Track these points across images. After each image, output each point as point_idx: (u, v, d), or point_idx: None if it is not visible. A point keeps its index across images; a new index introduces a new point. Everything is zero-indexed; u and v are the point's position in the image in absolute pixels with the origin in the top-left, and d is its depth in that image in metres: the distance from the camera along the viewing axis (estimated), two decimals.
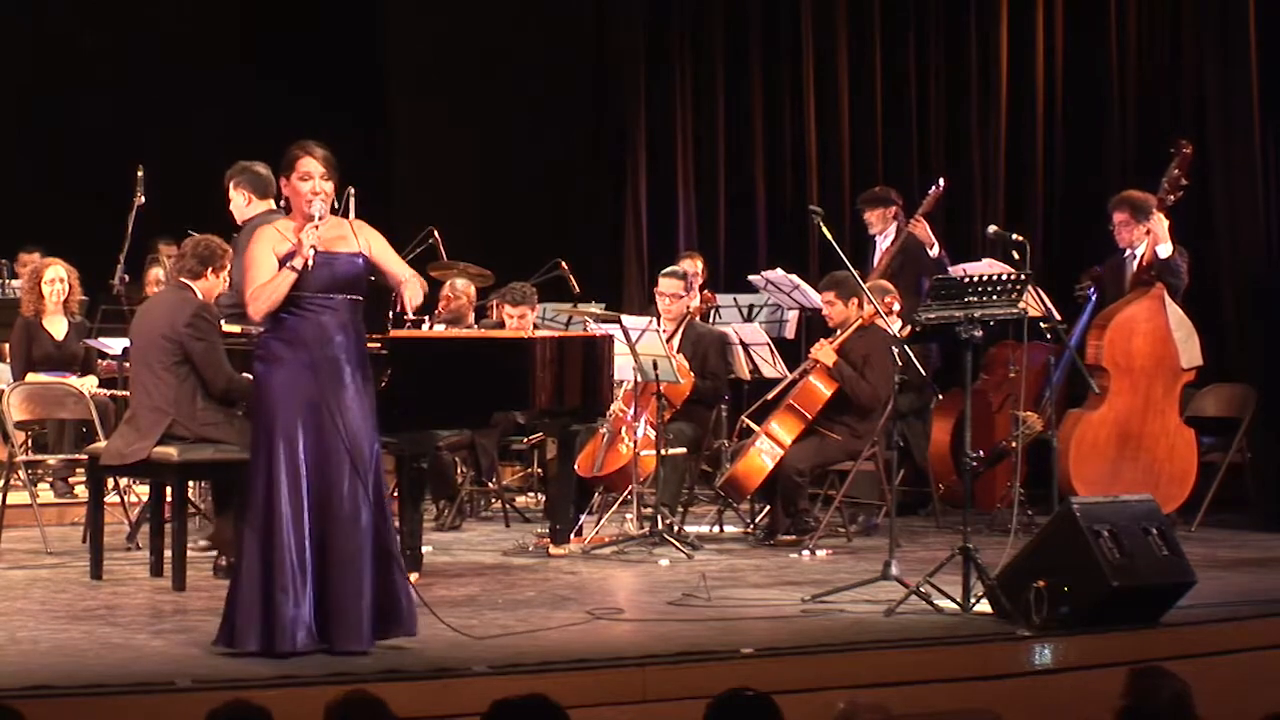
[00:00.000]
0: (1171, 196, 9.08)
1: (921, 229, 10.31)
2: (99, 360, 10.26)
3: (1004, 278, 7.45)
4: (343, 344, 6.14)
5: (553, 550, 8.64)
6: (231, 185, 8.27)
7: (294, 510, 6.07)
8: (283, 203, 6.30)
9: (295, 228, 6.17)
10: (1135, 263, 9.22)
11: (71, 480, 10.21)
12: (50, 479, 10.24)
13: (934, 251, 10.26)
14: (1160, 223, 9.06)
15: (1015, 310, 7.52)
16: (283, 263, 6.10)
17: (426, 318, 9.65)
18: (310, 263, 6.08)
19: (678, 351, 9.22)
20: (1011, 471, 9.03)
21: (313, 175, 6.17)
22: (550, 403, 8.37)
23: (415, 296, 6.27)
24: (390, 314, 7.73)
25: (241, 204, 8.26)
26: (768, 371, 9.58)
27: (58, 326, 10.13)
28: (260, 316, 6.16)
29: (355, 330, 6.22)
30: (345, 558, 6.09)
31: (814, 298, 9.92)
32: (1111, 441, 9.00)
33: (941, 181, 10.47)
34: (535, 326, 9.63)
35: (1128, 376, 9.02)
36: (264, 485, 6.10)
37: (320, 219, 6.13)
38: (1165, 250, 9.07)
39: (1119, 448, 9.00)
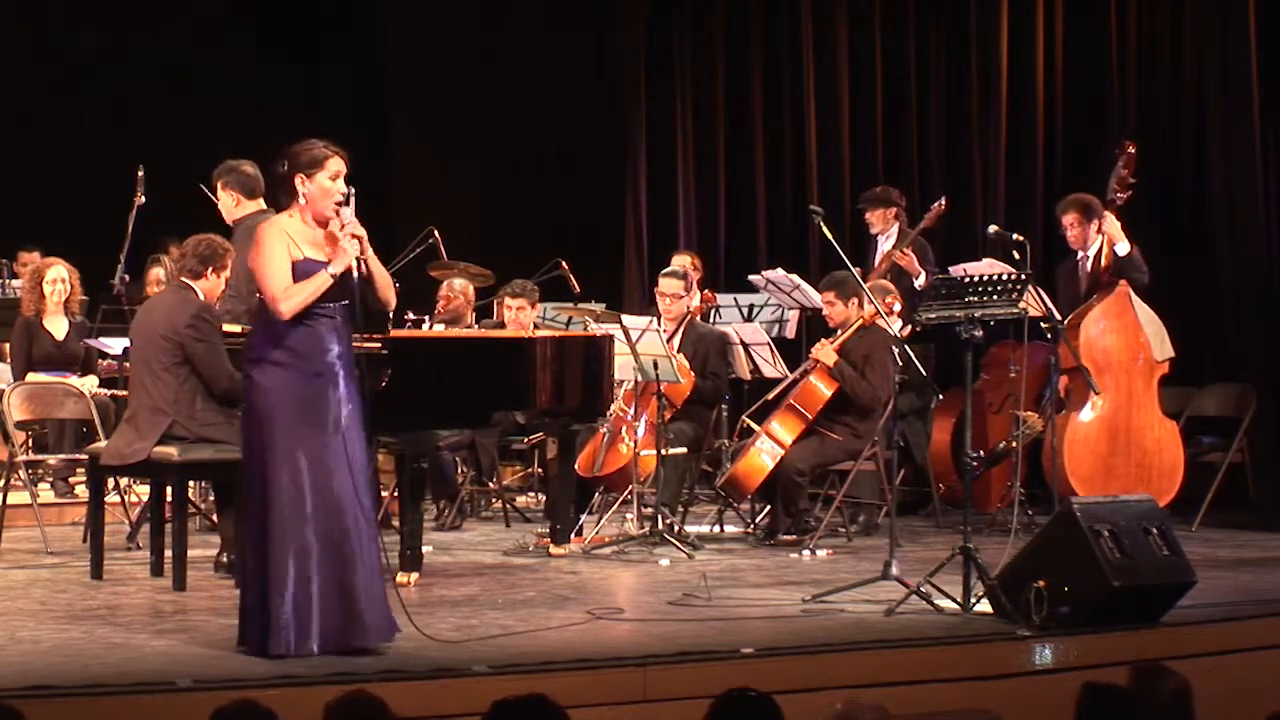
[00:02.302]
0: (1120, 196, 9.13)
1: (906, 260, 10.25)
2: (99, 360, 10.26)
3: (1004, 277, 7.46)
4: (338, 352, 6.18)
5: (553, 550, 8.64)
6: (219, 185, 8.26)
7: (293, 514, 6.07)
8: (300, 200, 6.19)
9: (321, 236, 6.15)
10: (1089, 263, 9.27)
11: (72, 480, 10.22)
12: (50, 479, 10.24)
13: (919, 281, 10.18)
14: (1113, 223, 9.11)
15: (1016, 310, 7.53)
16: (300, 265, 6.09)
17: (426, 318, 9.67)
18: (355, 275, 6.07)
19: (678, 351, 9.22)
20: (1011, 471, 9.04)
21: (341, 175, 6.16)
22: (550, 403, 8.37)
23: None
24: (390, 314, 7.75)
25: (230, 204, 8.25)
26: (768, 371, 9.58)
27: (58, 326, 10.13)
28: (290, 316, 6.10)
29: (347, 337, 6.26)
30: (348, 560, 6.11)
31: (814, 298, 9.92)
32: (1102, 439, 9.02)
33: (944, 200, 10.45)
34: (535, 326, 9.63)
35: (1107, 374, 9.06)
36: (260, 488, 6.10)
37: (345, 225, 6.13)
38: (1124, 248, 9.13)
39: (1109, 444, 9.02)
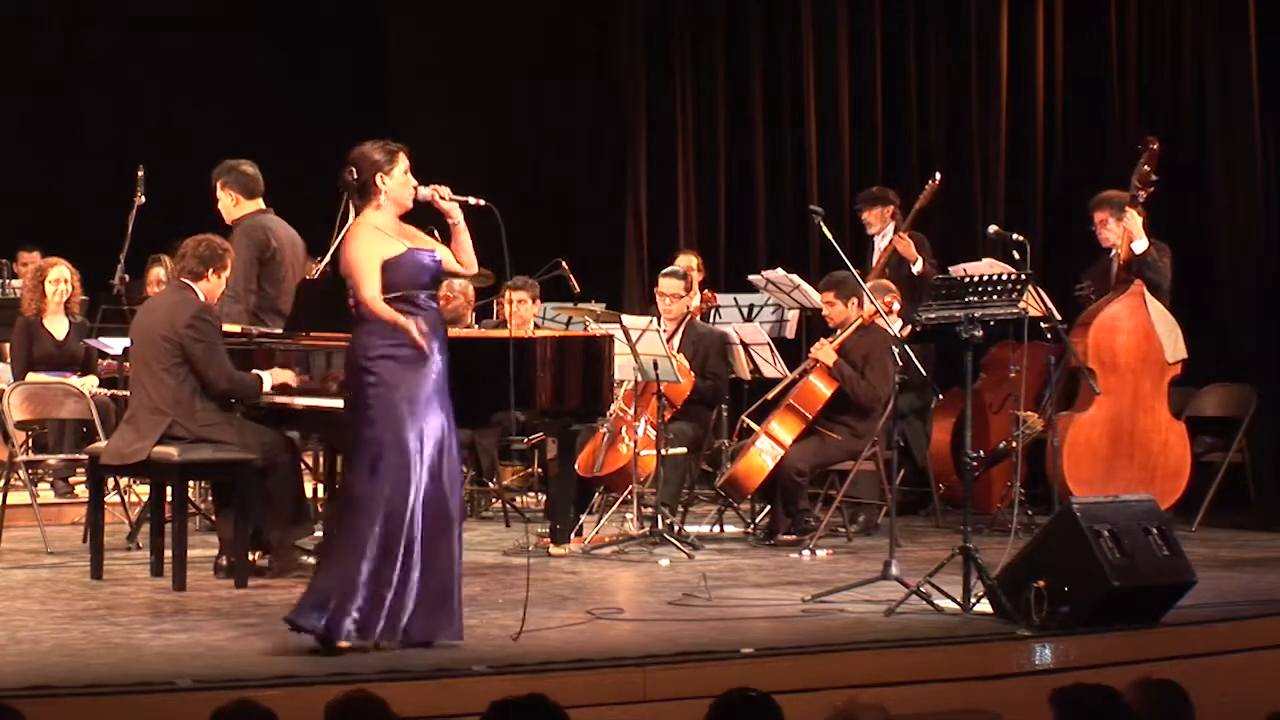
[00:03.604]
0: (1143, 193, 9.09)
1: (904, 245, 10.26)
2: (99, 360, 10.26)
3: (1004, 277, 7.45)
4: (439, 346, 6.30)
5: (553, 550, 8.63)
6: (219, 186, 8.31)
7: (415, 507, 6.16)
8: (379, 199, 6.34)
9: (404, 227, 6.37)
10: (1118, 261, 9.25)
11: (72, 480, 10.21)
12: (50, 479, 10.23)
13: (917, 268, 10.19)
14: (1133, 219, 9.08)
15: (1015, 310, 7.53)
16: (408, 256, 6.26)
17: None
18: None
19: (678, 351, 9.22)
20: (1011, 471, 9.04)
21: (409, 167, 6.45)
22: (550, 403, 8.36)
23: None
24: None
25: (229, 204, 8.31)
26: (768, 371, 9.58)
27: (58, 326, 10.13)
28: (374, 317, 6.21)
29: (443, 332, 6.41)
30: (453, 552, 6.27)
31: (814, 297, 9.92)
32: (1104, 441, 9.01)
33: (938, 175, 10.46)
34: (536, 326, 9.63)
35: (1114, 375, 9.04)
36: (393, 483, 6.14)
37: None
38: (1140, 246, 9.10)
39: (1112, 446, 9.01)
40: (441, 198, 6.45)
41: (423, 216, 6.57)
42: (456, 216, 6.49)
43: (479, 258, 6.68)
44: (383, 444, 6.18)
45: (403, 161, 6.43)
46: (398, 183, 6.39)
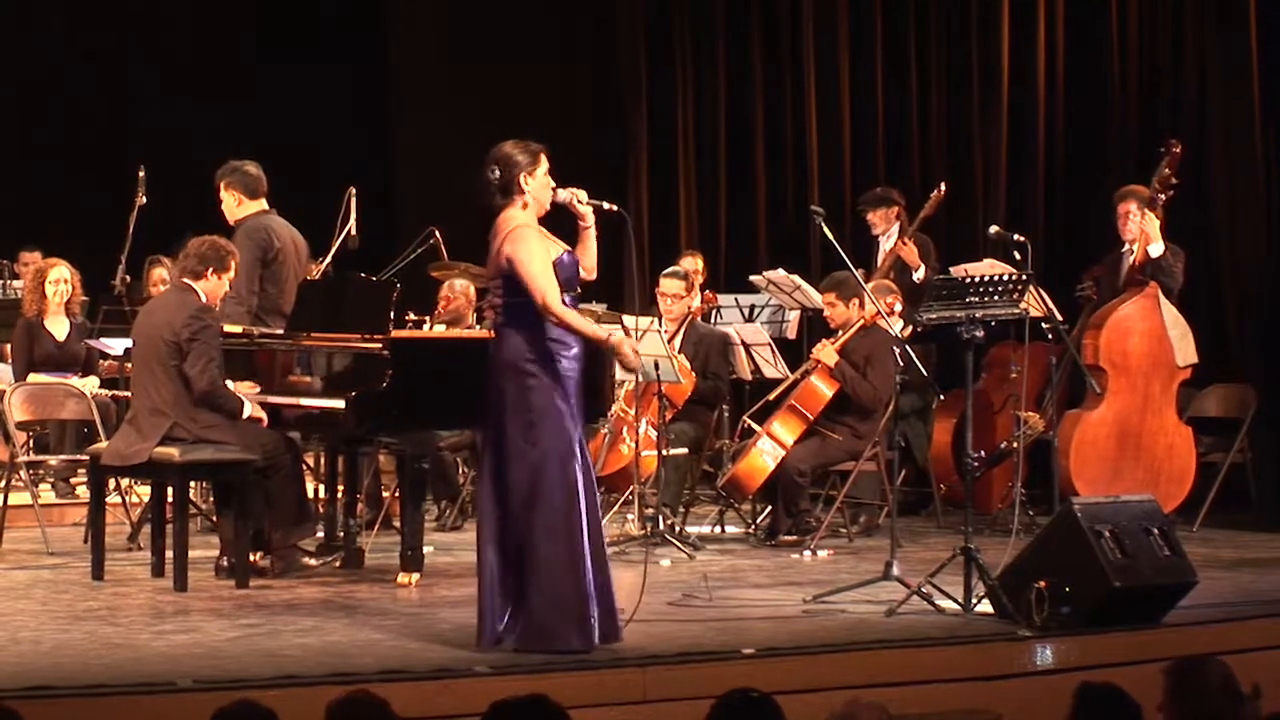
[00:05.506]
0: (1162, 195, 9.08)
1: (908, 252, 10.25)
2: (100, 361, 10.26)
3: (1005, 278, 7.45)
4: (577, 352, 6.32)
5: None
6: (222, 186, 8.33)
7: (589, 513, 6.21)
8: (522, 199, 6.37)
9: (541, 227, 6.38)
10: (1131, 259, 9.24)
11: (73, 481, 10.21)
12: (52, 479, 10.23)
13: (918, 275, 10.19)
14: (1151, 222, 9.07)
15: (1017, 310, 7.52)
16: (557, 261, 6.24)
17: (427, 318, 9.66)
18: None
19: (679, 352, 9.22)
20: (1013, 471, 9.03)
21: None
22: None
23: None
24: (390, 314, 7.75)
25: (232, 205, 8.32)
26: (769, 372, 9.58)
27: (59, 327, 10.13)
28: (555, 322, 6.22)
29: None
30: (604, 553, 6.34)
31: (815, 298, 9.92)
32: (1111, 441, 9.01)
33: (943, 185, 10.45)
34: None
35: (1125, 376, 9.03)
36: (562, 492, 6.16)
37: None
38: (1156, 249, 9.09)
39: (1118, 447, 9.00)
40: (580, 201, 6.41)
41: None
42: (589, 221, 6.46)
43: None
44: (561, 446, 6.16)
45: (544, 163, 6.40)
46: (539, 184, 6.37)
